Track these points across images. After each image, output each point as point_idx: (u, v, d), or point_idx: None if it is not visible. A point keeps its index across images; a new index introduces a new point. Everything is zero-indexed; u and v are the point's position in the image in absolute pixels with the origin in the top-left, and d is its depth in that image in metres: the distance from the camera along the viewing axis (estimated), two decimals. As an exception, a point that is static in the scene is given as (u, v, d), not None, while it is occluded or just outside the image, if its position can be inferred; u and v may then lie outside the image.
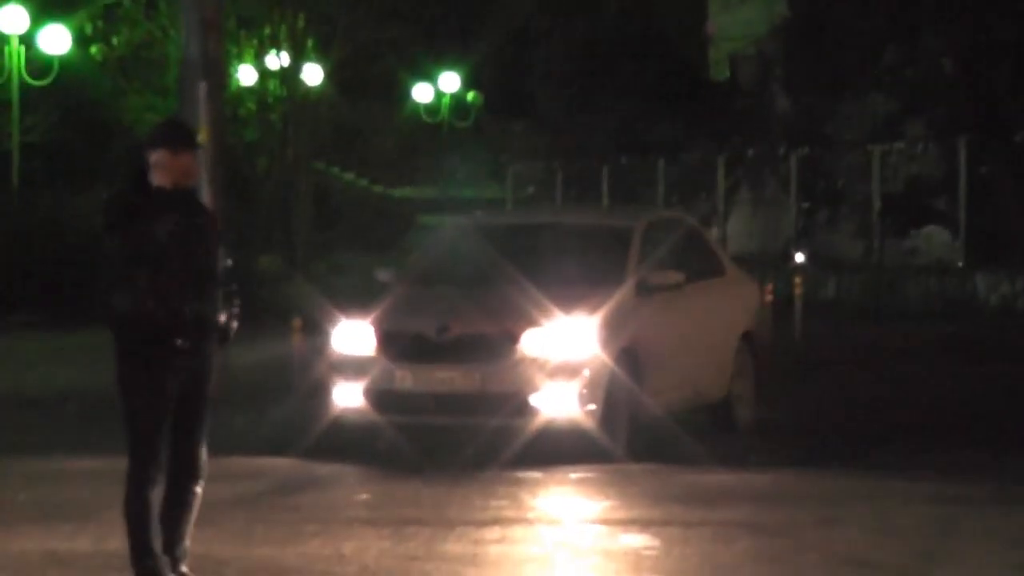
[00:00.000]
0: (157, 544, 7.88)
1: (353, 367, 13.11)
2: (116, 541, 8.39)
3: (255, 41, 34.82)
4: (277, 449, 13.32)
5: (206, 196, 19.12)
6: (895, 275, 30.83)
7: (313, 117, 35.73)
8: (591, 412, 12.49)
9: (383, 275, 14.09)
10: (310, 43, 35.05)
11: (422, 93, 45.17)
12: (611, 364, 12.66)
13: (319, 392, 13.74)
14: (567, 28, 38.82)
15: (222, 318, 8.13)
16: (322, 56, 35.51)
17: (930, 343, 22.41)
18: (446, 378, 12.95)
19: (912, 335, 23.44)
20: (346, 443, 13.32)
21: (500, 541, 9.80)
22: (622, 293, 13.26)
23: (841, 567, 8.98)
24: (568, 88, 38.48)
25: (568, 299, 12.79)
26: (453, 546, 9.59)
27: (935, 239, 32.28)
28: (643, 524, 10.24)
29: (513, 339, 12.72)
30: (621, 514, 10.88)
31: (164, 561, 7.91)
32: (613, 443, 12.47)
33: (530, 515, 10.93)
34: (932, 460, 12.63)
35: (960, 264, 30.70)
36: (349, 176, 45.90)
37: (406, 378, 13.01)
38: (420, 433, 13.20)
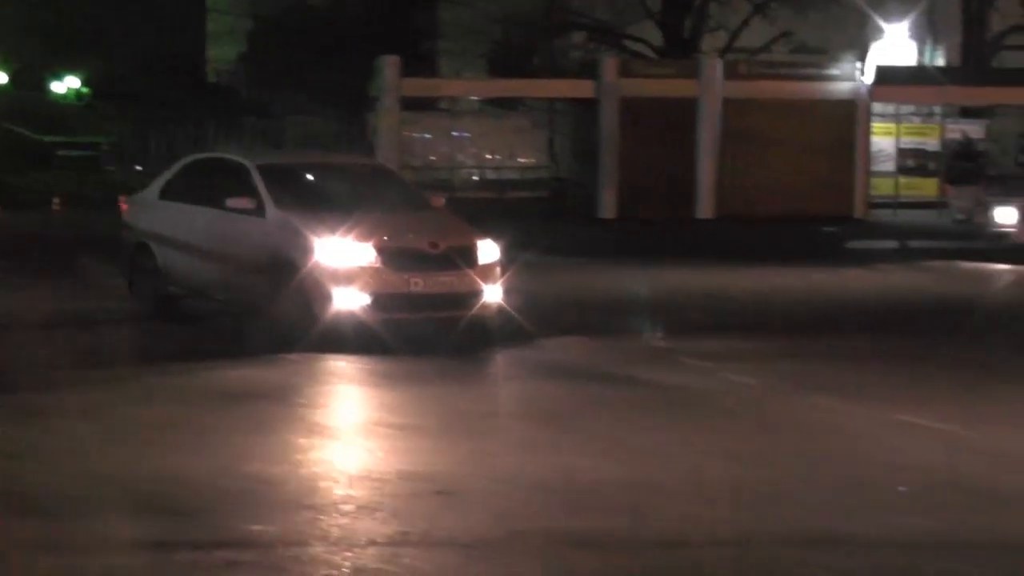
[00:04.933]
0: None
1: (352, 276, 14.98)
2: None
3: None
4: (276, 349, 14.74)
5: None
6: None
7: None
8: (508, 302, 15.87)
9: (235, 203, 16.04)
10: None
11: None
12: None
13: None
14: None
15: None
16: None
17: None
18: (445, 282, 15.43)
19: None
20: (345, 340, 14.72)
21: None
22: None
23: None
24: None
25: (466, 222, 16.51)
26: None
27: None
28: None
29: (475, 250, 15.65)
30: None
31: None
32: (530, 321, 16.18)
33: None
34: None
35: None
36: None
37: (419, 283, 15.27)
38: (405, 326, 15.21)
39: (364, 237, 15.22)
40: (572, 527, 8.38)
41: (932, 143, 42.52)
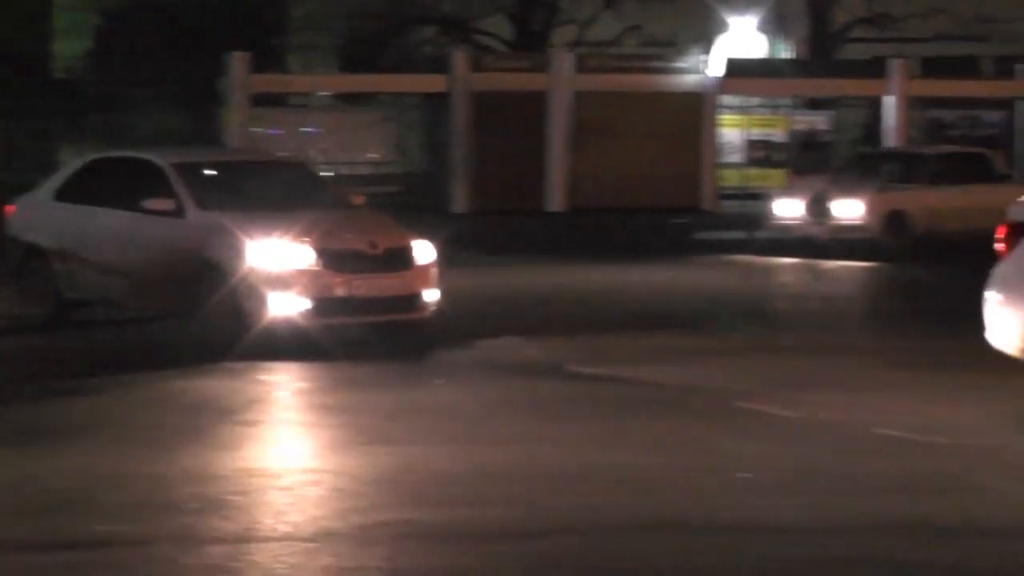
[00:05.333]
0: None
1: (290, 280, 14.30)
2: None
3: None
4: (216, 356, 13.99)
5: None
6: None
7: None
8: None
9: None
10: None
11: None
12: None
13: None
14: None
15: None
16: None
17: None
18: (386, 284, 14.81)
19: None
20: (285, 345, 14.20)
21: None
22: None
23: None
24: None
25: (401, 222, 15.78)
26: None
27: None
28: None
29: (412, 250, 15.08)
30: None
31: None
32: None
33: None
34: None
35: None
36: None
37: (360, 286, 14.61)
38: (344, 331, 14.68)
39: (301, 238, 14.60)
40: (417, 519, 8.43)
41: (779, 134, 43.35)
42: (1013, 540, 8.16)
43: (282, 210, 15.27)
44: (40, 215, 17.04)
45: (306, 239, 14.56)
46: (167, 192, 15.48)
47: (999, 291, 11.84)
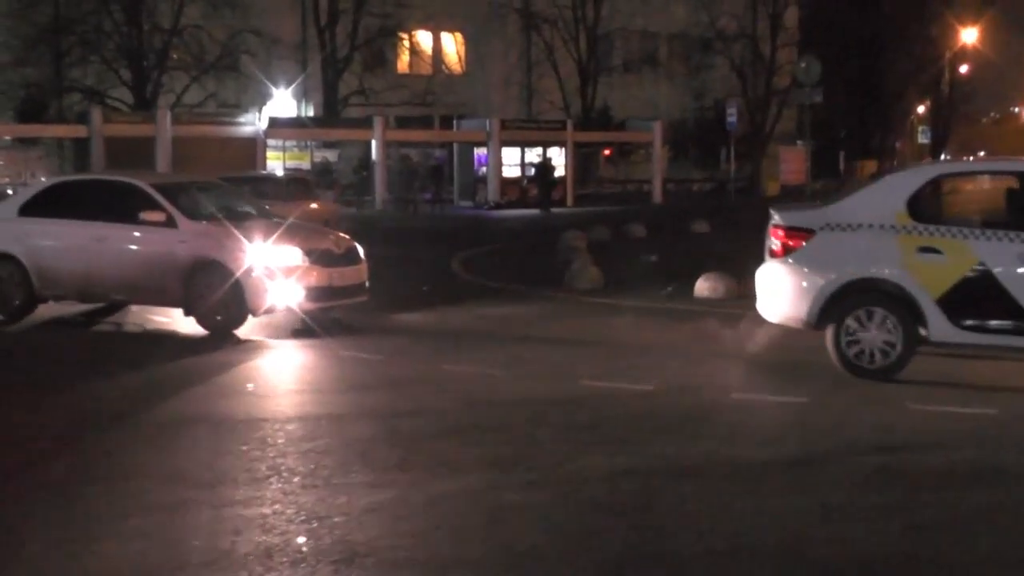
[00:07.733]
0: None
1: (287, 274, 15.02)
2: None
3: None
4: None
5: None
6: None
7: None
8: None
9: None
10: None
11: None
12: None
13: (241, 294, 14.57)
14: None
15: None
16: None
17: None
18: (350, 275, 15.87)
19: None
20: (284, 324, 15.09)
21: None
22: None
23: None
24: None
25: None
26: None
27: None
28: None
29: (358, 249, 16.28)
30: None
31: None
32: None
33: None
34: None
35: None
36: None
37: (335, 277, 15.54)
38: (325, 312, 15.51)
39: (288, 240, 15.80)
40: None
41: (306, 165, 54.91)
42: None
43: (243, 219, 16.31)
44: (5, 228, 17.42)
45: (292, 241, 15.82)
46: (154, 206, 16.15)
47: (788, 277, 12.62)
